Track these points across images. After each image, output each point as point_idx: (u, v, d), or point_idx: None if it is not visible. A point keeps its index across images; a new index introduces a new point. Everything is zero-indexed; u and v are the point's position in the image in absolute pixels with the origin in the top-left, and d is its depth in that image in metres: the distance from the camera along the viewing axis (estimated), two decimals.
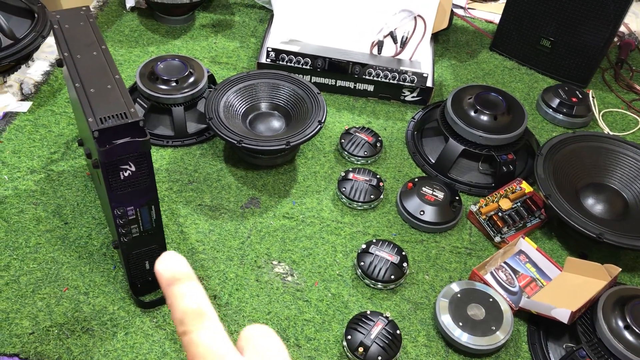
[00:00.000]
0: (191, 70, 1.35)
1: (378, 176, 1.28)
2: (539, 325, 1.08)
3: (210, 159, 1.33)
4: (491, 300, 1.08)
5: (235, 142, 1.20)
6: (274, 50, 1.47)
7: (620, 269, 1.06)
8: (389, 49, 1.57)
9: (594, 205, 1.23)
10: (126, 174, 0.88)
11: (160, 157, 1.31)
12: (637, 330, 0.97)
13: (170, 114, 1.33)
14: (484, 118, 1.31)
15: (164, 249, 1.03)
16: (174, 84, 1.32)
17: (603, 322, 0.99)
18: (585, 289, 1.06)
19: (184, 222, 1.19)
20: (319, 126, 1.24)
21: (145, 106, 1.33)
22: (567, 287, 1.10)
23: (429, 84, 1.47)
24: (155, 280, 1.06)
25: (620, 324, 0.99)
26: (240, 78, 1.34)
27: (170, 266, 0.32)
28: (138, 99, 1.34)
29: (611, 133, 1.48)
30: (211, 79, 1.42)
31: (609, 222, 1.18)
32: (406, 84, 1.46)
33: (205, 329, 0.31)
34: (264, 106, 1.35)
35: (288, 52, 1.47)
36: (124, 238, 0.96)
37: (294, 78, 1.35)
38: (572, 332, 1.04)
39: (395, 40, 1.57)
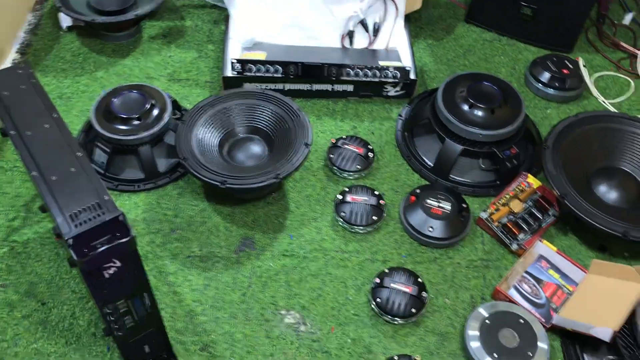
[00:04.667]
0: (152, 101, 1.20)
1: (377, 193, 1.18)
2: (574, 339, 1.02)
3: (190, 198, 1.20)
4: (522, 321, 1.00)
5: (219, 183, 1.07)
6: (239, 61, 1.32)
7: None
8: (361, 39, 1.44)
9: (607, 192, 1.16)
10: (111, 272, 0.75)
11: (133, 206, 1.18)
12: None
13: (137, 154, 1.19)
14: (480, 113, 1.21)
15: (163, 330, 0.91)
16: (136, 122, 1.17)
17: None
18: (619, 295, 0.99)
19: (175, 280, 1.08)
20: (307, 150, 1.12)
21: (108, 150, 1.18)
22: (598, 293, 1.03)
23: (412, 76, 1.36)
24: None
25: None
26: (209, 104, 1.20)
27: None
28: (98, 143, 1.19)
29: (613, 109, 1.40)
30: (175, 105, 1.27)
31: (628, 213, 1.11)
32: (388, 80, 1.34)
33: None
34: (241, 131, 1.21)
35: (255, 62, 1.32)
36: (118, 332, 0.85)
37: (270, 95, 1.21)
38: (611, 344, 0.98)
39: (366, 29, 1.44)
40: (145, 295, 0.83)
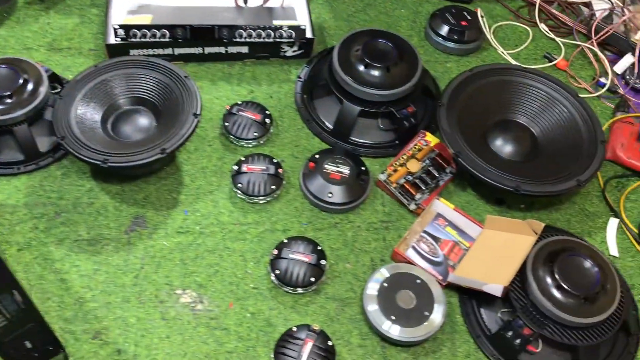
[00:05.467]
0: (25, 75, 1.10)
1: (275, 160, 1.14)
2: (471, 295, 1.03)
3: (76, 178, 1.12)
4: (419, 282, 1.01)
5: (100, 162, 1.01)
6: (122, 27, 1.23)
7: (544, 224, 1.01)
8: None
9: (503, 146, 1.17)
10: None
11: (14, 190, 1.09)
12: (568, 289, 0.94)
13: (13, 134, 1.10)
14: (376, 72, 1.18)
15: (43, 323, 0.86)
16: (8, 99, 1.08)
17: (534, 285, 0.95)
18: (511, 250, 1.01)
19: (62, 267, 1.02)
20: (196, 120, 1.07)
21: None
22: (491, 248, 1.05)
23: (308, 35, 1.31)
24: (41, 356, 0.90)
25: (552, 283, 0.95)
26: (87, 76, 1.12)
27: None
28: None
29: (511, 60, 1.40)
30: (54, 78, 1.18)
31: (522, 166, 1.12)
32: (284, 40, 1.29)
33: None
34: (124, 103, 1.14)
35: (140, 27, 1.23)
36: None
37: (153, 63, 1.14)
38: (505, 297, 1.00)
39: None
40: (14, 292, 0.78)
